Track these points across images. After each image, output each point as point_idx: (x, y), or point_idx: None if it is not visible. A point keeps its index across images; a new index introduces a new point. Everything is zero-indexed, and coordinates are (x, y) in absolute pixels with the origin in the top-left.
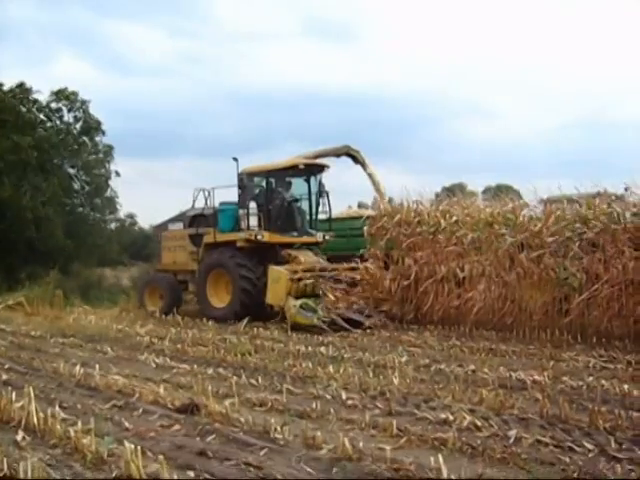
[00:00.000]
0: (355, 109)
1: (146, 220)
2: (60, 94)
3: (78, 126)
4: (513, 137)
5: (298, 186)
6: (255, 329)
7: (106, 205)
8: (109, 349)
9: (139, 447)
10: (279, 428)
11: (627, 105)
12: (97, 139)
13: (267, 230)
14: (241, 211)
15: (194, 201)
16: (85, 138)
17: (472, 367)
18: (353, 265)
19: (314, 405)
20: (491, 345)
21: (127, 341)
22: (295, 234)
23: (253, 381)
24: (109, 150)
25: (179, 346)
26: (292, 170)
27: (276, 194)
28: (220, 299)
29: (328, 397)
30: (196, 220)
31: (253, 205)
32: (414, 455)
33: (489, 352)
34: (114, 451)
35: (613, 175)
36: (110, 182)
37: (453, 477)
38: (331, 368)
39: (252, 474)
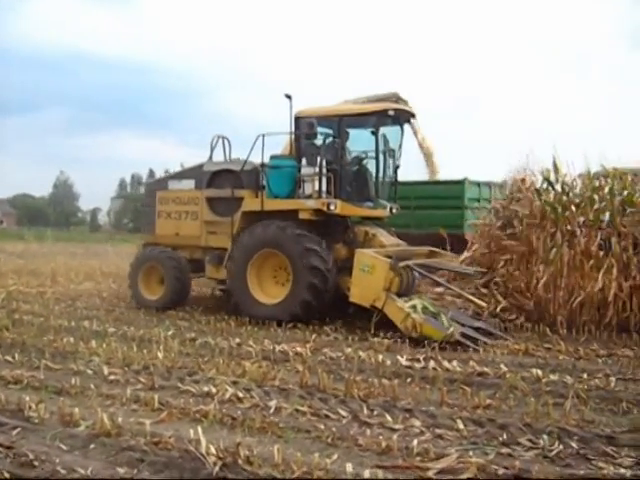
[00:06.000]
0: (132, 76)
1: None
2: None
3: None
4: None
5: (360, 139)
6: (15, 302)
7: None
8: None
9: None
10: (34, 406)
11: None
12: None
13: (338, 198)
14: (307, 169)
15: (212, 150)
16: None
17: (237, 340)
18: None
19: (73, 381)
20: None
21: None
22: (370, 205)
23: (9, 358)
24: None
25: None
26: (375, 117)
27: (346, 149)
28: (266, 291)
29: (89, 372)
30: (220, 178)
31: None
32: (174, 428)
33: (255, 325)
34: None
35: None
36: None
37: (212, 447)
38: (94, 343)
39: (2, 455)
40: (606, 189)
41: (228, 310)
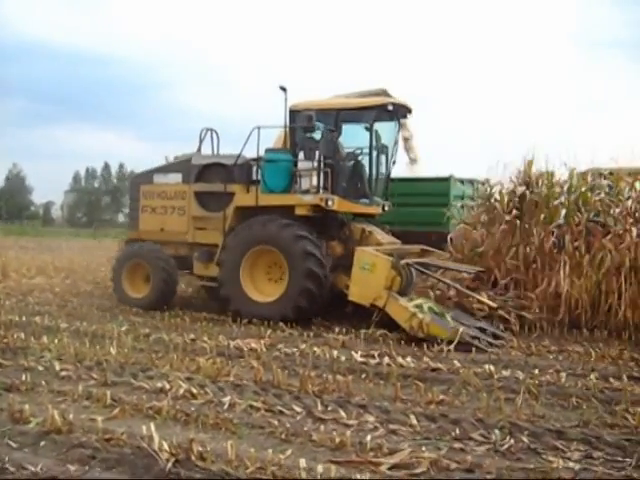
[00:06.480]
0: (89, 67)
1: None
2: None
3: None
4: (246, 108)
5: (352, 134)
6: None
7: None
8: None
9: None
10: None
11: None
12: None
13: (335, 194)
14: (304, 164)
15: (201, 143)
16: None
17: (192, 336)
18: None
19: (24, 377)
20: (213, 315)
21: None
22: (366, 201)
23: None
24: None
25: None
26: (373, 111)
27: (340, 144)
28: (260, 289)
29: (40, 369)
30: (209, 172)
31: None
32: (127, 425)
33: (210, 321)
34: None
35: None
36: None
37: (165, 444)
38: (45, 338)
39: None
40: (565, 187)
41: (220, 309)
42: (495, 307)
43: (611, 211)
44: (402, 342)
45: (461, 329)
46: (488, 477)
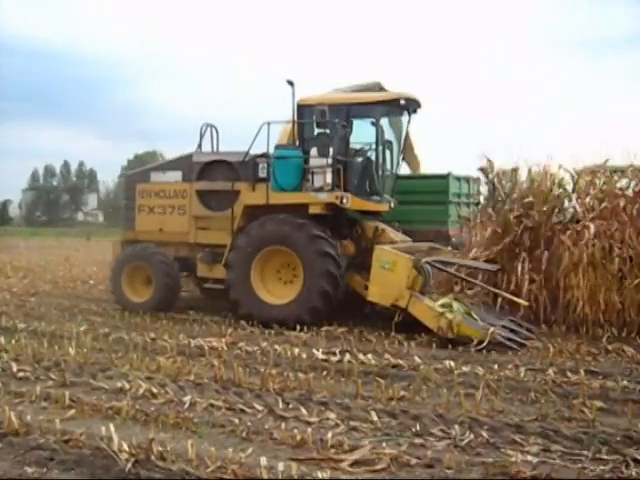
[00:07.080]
0: (45, 63)
1: None
2: None
3: None
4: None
5: (359, 130)
6: None
7: None
8: None
9: None
10: None
11: None
12: None
13: (346, 191)
14: (316, 161)
15: (201, 138)
16: None
17: (152, 335)
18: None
19: None
20: (173, 314)
21: None
22: (377, 199)
23: None
24: None
25: None
26: (386, 106)
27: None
28: (272, 292)
29: None
30: (212, 169)
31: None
32: (86, 425)
33: (170, 320)
34: None
35: None
36: None
37: (124, 444)
38: (2, 339)
39: None
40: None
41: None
42: (526, 304)
43: (570, 208)
44: (363, 339)
45: (491, 329)
46: (448, 472)
